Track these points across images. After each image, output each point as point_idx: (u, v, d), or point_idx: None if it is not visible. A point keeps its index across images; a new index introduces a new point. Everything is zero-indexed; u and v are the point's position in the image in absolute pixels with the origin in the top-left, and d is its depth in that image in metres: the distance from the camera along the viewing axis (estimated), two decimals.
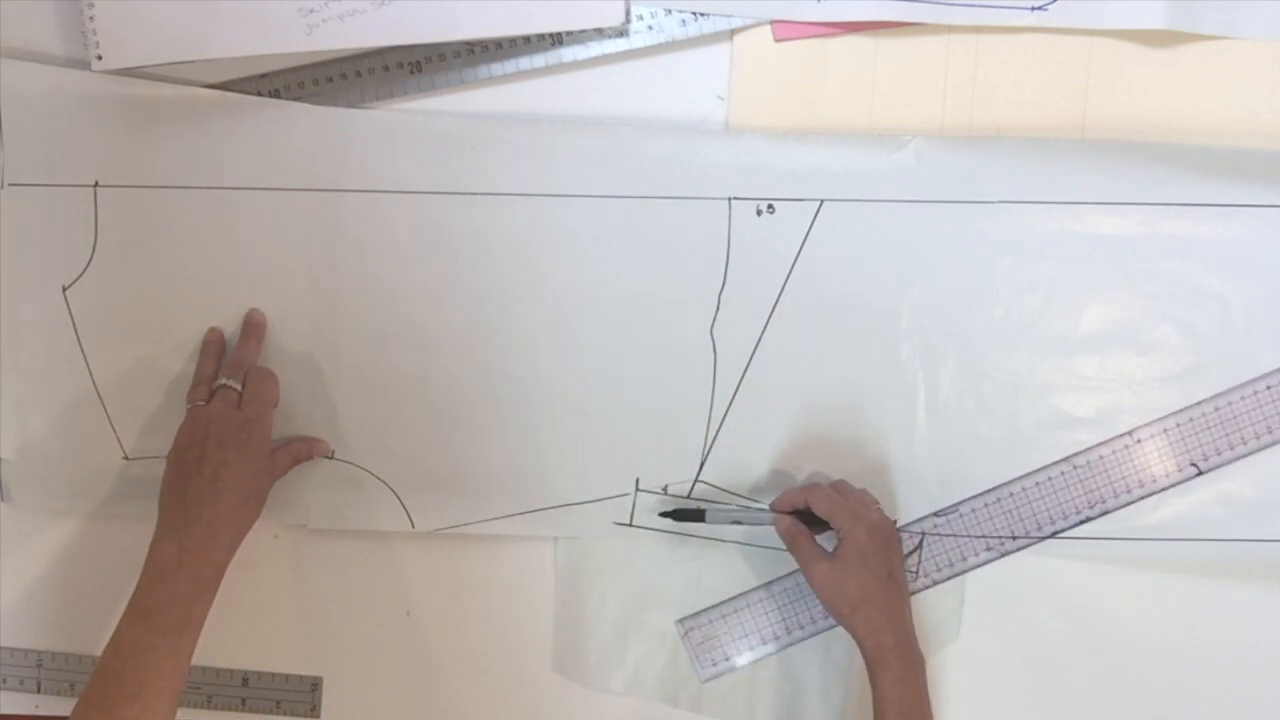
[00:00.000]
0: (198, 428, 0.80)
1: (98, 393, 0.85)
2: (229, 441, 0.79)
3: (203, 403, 0.81)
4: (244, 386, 0.82)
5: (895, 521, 0.83)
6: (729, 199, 0.83)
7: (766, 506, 0.83)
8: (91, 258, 0.84)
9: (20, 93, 0.83)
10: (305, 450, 0.85)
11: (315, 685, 0.89)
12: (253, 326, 0.85)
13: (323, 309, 0.85)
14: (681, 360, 0.84)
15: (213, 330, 0.85)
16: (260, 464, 0.80)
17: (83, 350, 0.85)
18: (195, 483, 0.78)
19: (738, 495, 0.85)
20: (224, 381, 0.82)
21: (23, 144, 0.83)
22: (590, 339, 0.84)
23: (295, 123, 0.83)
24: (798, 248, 0.83)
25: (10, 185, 0.84)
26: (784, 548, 0.82)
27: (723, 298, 0.84)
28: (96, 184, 0.84)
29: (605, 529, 0.85)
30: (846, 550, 0.78)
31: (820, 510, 0.80)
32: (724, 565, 0.86)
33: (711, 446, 0.85)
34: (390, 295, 0.84)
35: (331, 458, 0.86)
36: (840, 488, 0.82)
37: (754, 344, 0.84)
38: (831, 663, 0.86)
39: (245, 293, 0.85)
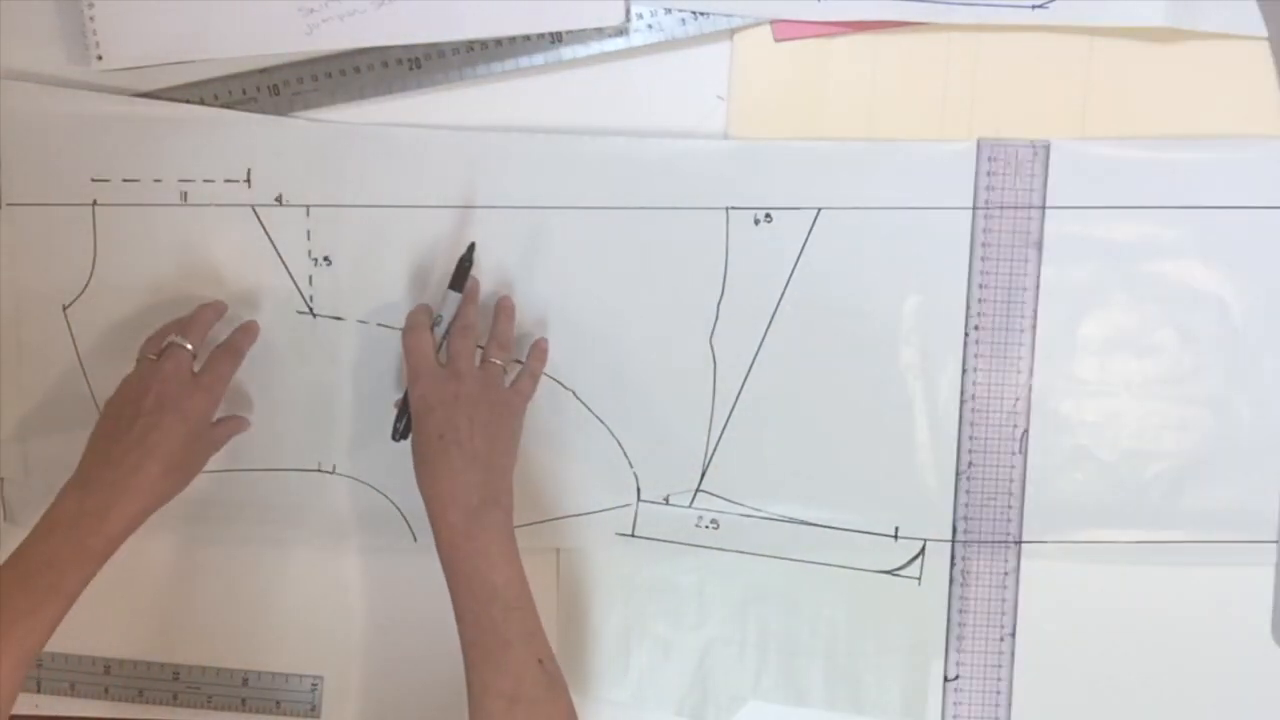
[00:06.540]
0: (140, 383, 0.76)
1: (99, 411, 0.84)
2: (169, 405, 0.74)
3: (154, 357, 0.77)
4: (202, 352, 0.78)
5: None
6: (726, 209, 0.83)
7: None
8: (91, 276, 0.84)
9: (18, 113, 0.83)
10: (239, 426, 0.83)
11: (315, 685, 0.89)
12: (212, 305, 0.81)
13: (322, 325, 0.85)
14: (681, 370, 0.84)
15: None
16: (198, 435, 0.76)
17: (84, 369, 0.85)
18: (122, 441, 0.73)
19: (741, 504, 0.85)
20: (175, 340, 0.77)
21: (21, 164, 0.83)
22: (589, 350, 0.84)
23: (293, 139, 0.83)
24: (796, 256, 0.83)
25: (9, 205, 0.84)
26: (791, 557, 0.82)
27: (721, 307, 0.84)
28: (95, 203, 0.84)
29: (607, 540, 0.86)
30: None
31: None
32: (728, 575, 0.86)
33: (712, 456, 0.85)
34: (388, 310, 0.85)
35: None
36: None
37: (753, 353, 0.84)
38: (836, 669, 0.87)
39: (245, 309, 0.85)
